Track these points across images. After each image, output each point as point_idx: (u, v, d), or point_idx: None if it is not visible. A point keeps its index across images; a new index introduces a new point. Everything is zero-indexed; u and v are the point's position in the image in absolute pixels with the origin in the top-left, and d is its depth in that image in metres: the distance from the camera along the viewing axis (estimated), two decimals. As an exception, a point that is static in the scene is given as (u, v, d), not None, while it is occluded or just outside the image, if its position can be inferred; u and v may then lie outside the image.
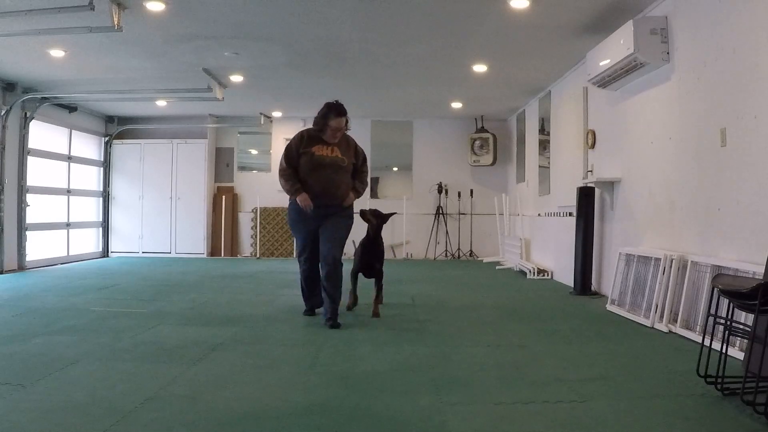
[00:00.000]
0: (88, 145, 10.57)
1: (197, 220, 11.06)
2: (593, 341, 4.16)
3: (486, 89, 8.51)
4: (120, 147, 11.12)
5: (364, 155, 4.99)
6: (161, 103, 9.41)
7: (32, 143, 8.73)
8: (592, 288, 6.35)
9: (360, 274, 5.10)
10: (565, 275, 7.24)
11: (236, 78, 7.90)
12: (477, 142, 10.96)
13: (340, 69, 7.40)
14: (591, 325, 4.76)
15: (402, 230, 11.00)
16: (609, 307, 5.39)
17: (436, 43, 6.30)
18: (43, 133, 9.10)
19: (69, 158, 9.95)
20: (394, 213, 5.33)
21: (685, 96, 4.60)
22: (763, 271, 3.18)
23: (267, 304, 5.66)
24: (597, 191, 6.41)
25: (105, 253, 11.02)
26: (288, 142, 4.87)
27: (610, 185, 6.12)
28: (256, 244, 11.21)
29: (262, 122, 10.90)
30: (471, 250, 11.24)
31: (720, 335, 3.00)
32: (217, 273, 8.37)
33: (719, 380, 2.88)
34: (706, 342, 3.00)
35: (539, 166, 8.74)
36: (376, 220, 4.94)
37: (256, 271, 8.62)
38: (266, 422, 2.50)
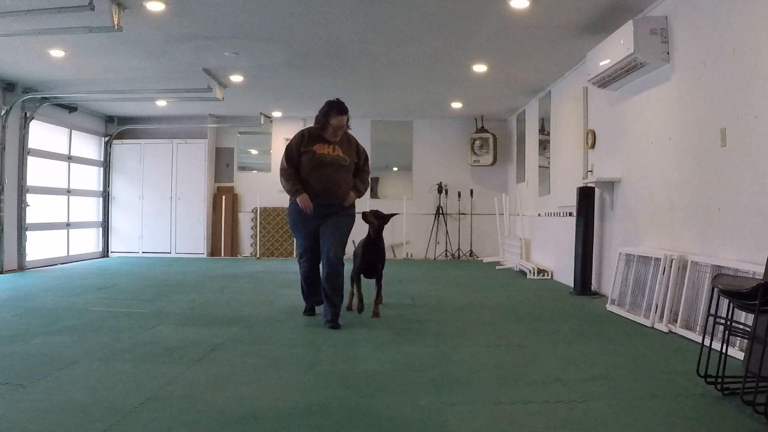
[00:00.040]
0: (88, 145, 10.57)
1: (197, 220, 11.06)
2: (593, 341, 4.16)
3: (486, 89, 8.51)
4: (120, 147, 11.12)
5: (366, 154, 4.95)
6: (161, 103, 9.41)
7: (32, 143, 8.73)
8: (592, 288, 6.35)
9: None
10: (565, 275, 7.24)
11: (236, 78, 7.90)
12: (477, 142, 10.96)
13: (340, 69, 7.40)
14: (591, 325, 4.76)
15: (402, 230, 11.00)
16: (609, 307, 5.39)
17: (436, 43, 6.30)
18: (43, 133, 9.10)
19: (69, 158, 9.95)
20: (396, 213, 5.32)
21: (685, 96, 4.60)
22: (763, 271, 3.18)
23: (267, 304, 5.66)
24: (597, 191, 6.41)
25: (105, 253, 11.02)
26: (289, 141, 4.85)
27: (610, 185, 6.12)
28: (256, 244, 11.21)
29: (262, 122, 10.90)
30: (471, 250, 11.24)
31: (720, 335, 3.00)
32: (217, 273, 8.37)
33: (719, 380, 2.88)
34: (706, 342, 3.00)
35: (539, 166, 8.74)
36: (378, 221, 4.91)
37: (256, 271, 8.62)
38: (266, 422, 2.50)
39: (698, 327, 4.03)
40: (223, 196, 11.23)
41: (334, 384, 3.07)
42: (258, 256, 11.11)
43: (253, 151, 11.81)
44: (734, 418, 2.57)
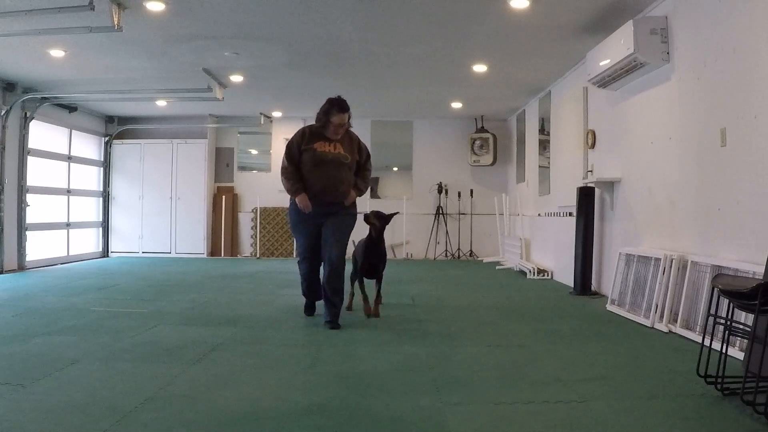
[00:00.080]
0: (88, 145, 10.57)
1: (197, 220, 11.06)
2: (593, 341, 4.16)
3: (486, 89, 8.51)
4: (120, 147, 11.12)
5: (368, 152, 4.87)
6: (161, 103, 9.41)
7: (32, 143, 8.73)
8: (592, 288, 6.35)
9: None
10: (565, 275, 7.24)
11: (236, 78, 7.90)
12: (477, 142, 10.96)
13: (340, 69, 7.40)
14: (591, 325, 4.76)
15: (402, 230, 11.00)
16: (609, 307, 5.39)
17: (436, 43, 6.30)
18: (43, 133, 9.10)
19: (69, 158, 9.94)
20: (397, 213, 5.31)
21: (685, 96, 4.60)
22: (763, 271, 3.18)
23: (267, 304, 5.66)
24: (597, 191, 6.41)
25: (105, 253, 11.02)
26: (289, 139, 4.79)
27: (610, 185, 6.12)
28: (256, 244, 11.21)
29: (262, 122, 10.90)
30: (471, 250, 11.24)
31: (720, 335, 3.00)
32: (217, 273, 8.37)
33: (719, 380, 2.88)
34: (706, 342, 3.00)
35: (539, 166, 8.74)
36: (380, 222, 4.87)
37: (256, 271, 8.62)
38: (266, 422, 2.50)
39: (698, 327, 4.03)
40: (223, 196, 11.23)
41: (334, 384, 3.07)
42: (258, 256, 11.11)
43: (253, 151, 11.81)
44: (734, 418, 2.57)
